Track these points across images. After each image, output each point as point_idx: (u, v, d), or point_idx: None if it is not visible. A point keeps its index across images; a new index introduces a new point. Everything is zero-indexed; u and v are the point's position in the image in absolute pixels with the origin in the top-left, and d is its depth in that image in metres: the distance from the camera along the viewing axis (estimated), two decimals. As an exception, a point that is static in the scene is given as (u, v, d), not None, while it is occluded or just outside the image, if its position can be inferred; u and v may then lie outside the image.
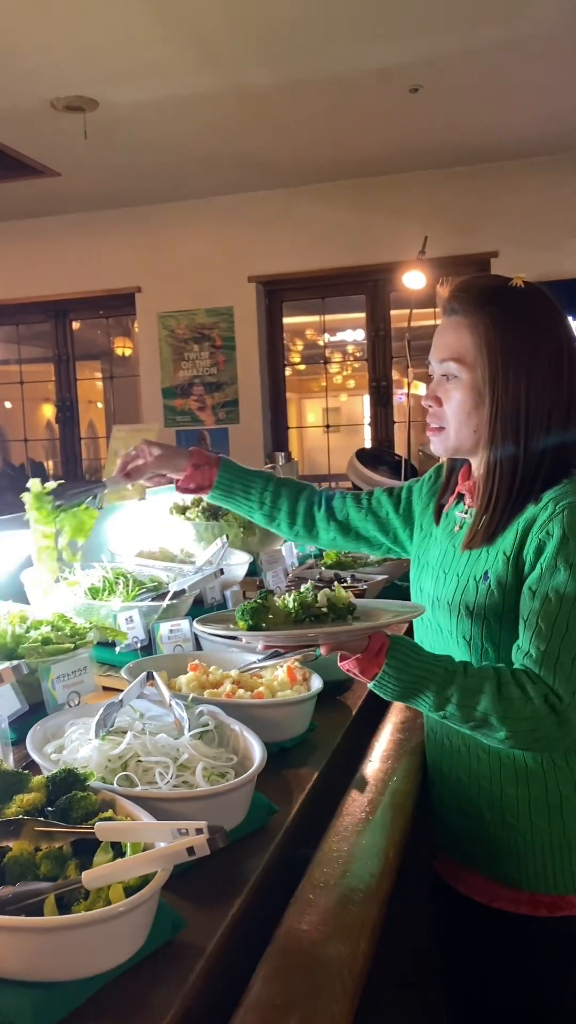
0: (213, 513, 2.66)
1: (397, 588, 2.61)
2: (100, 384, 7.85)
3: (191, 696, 1.34)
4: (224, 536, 2.29)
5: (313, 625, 1.24)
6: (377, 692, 1.19)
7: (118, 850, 0.90)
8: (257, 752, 1.15)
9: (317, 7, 3.35)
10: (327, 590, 1.30)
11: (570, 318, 4.36)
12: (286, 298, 6.01)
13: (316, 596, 1.27)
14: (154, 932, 0.89)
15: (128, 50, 3.64)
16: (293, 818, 1.22)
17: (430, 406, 1.31)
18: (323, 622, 1.24)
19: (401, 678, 1.16)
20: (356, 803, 1.28)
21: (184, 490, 1.56)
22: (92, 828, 0.89)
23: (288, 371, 6.35)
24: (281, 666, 1.51)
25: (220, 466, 1.57)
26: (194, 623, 1.42)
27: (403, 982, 1.54)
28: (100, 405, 8.40)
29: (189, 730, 1.19)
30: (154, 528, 2.68)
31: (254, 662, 1.53)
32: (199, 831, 0.84)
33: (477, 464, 1.32)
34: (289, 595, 1.29)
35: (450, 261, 5.29)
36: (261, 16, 3.41)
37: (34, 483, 1.47)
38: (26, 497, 1.47)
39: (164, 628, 1.74)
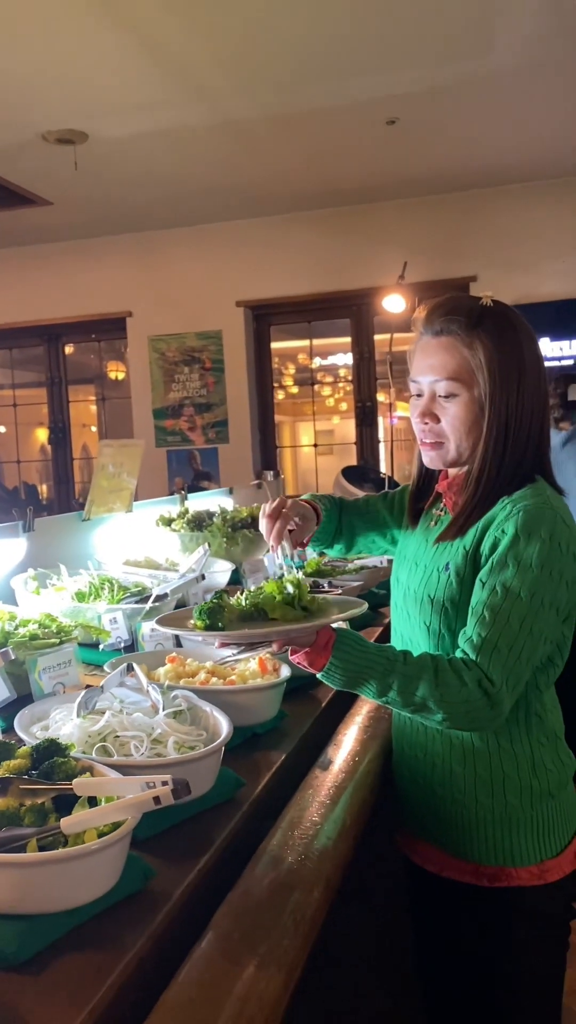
0: (198, 524, 2.78)
1: (373, 595, 2.72)
2: (94, 408, 7.98)
3: (167, 684, 1.45)
4: (206, 544, 2.41)
5: (264, 621, 1.31)
6: (325, 681, 1.28)
7: (94, 806, 1.01)
8: (224, 728, 1.26)
9: (298, 45, 3.53)
10: None
11: (547, 339, 4.55)
12: (273, 322, 6.18)
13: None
14: (127, 879, 0.99)
15: (117, 85, 3.81)
16: (260, 791, 1.33)
17: (426, 423, 1.37)
18: (255, 621, 1.32)
19: (346, 669, 1.24)
20: (319, 779, 1.39)
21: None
22: (71, 784, 1.00)
23: (281, 395, 6.51)
24: (253, 658, 1.63)
25: (323, 515, 1.61)
26: (155, 621, 1.50)
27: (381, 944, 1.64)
28: (94, 428, 8.53)
29: (163, 710, 1.30)
30: (140, 539, 2.80)
31: (228, 656, 1.65)
32: (164, 783, 0.95)
33: (459, 469, 1.42)
34: (241, 594, 1.38)
35: (430, 286, 5.46)
36: (246, 53, 3.59)
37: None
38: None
39: (146, 627, 1.85)
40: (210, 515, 2.83)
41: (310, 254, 5.75)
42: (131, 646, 1.90)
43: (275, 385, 6.37)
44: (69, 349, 6.75)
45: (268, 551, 2.96)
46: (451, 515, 1.41)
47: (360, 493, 5.37)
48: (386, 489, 5.28)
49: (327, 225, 5.71)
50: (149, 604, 1.98)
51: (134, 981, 0.90)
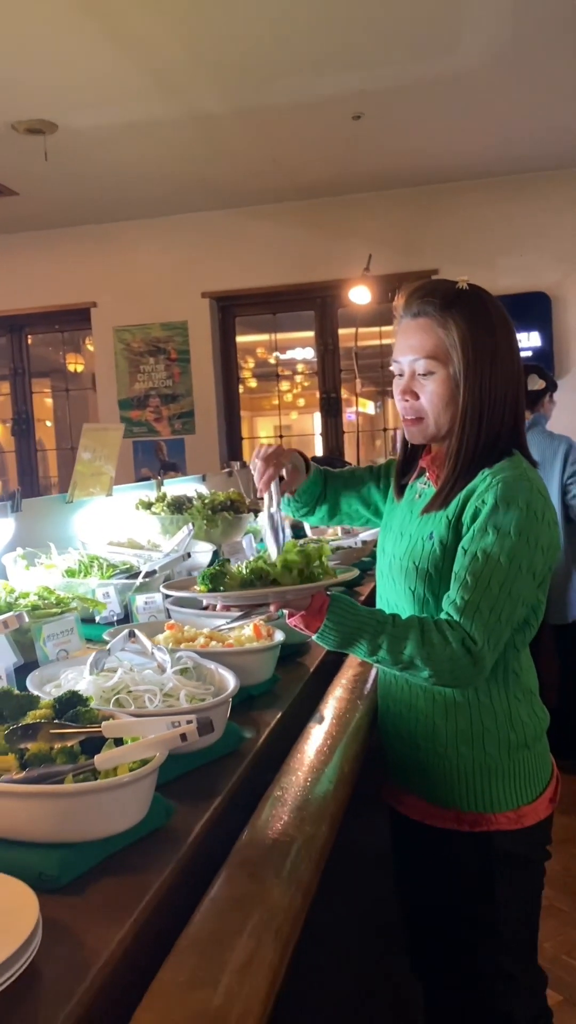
0: (177, 507, 2.85)
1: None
2: (49, 401, 7.93)
3: (169, 647, 1.52)
4: (190, 523, 2.48)
5: (263, 586, 1.35)
6: (319, 642, 1.36)
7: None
8: (231, 682, 1.34)
9: (267, 40, 3.60)
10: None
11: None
12: (238, 313, 6.24)
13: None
14: (152, 815, 1.07)
15: (88, 77, 3.84)
16: (261, 744, 1.41)
17: (407, 400, 1.46)
18: (257, 584, 1.37)
19: (339, 630, 1.33)
20: (316, 732, 1.48)
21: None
22: (99, 727, 1.07)
23: (240, 389, 6.57)
24: (248, 624, 1.71)
25: (311, 476, 1.70)
26: (161, 586, 1.56)
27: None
28: (49, 424, 8.47)
29: (171, 668, 1.37)
30: (120, 522, 2.86)
31: (224, 624, 1.73)
32: (189, 722, 1.03)
33: (440, 444, 1.51)
34: (243, 563, 1.43)
35: (393, 278, 5.58)
36: (215, 47, 3.65)
37: None
38: None
39: (140, 600, 1.92)
40: (188, 499, 2.90)
41: (276, 247, 5.83)
42: (124, 620, 1.96)
43: (237, 375, 6.44)
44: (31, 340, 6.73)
45: (247, 533, 3.05)
46: (434, 488, 1.51)
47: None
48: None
49: (293, 218, 5.80)
50: (140, 579, 2.05)
51: (167, 901, 0.98)
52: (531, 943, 1.58)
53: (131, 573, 2.13)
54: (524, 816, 1.48)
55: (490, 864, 1.48)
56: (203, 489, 3.77)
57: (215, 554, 2.72)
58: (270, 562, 1.38)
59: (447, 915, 1.55)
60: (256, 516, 3.13)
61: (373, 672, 1.77)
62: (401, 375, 1.48)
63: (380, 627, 1.33)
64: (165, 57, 3.72)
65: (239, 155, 4.91)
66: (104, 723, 1.07)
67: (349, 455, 6.17)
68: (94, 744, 1.09)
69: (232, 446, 6.30)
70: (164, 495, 2.98)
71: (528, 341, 5.37)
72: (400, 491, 1.62)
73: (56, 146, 4.41)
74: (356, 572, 1.45)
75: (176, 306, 6.02)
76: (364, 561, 3.12)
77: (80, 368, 7.22)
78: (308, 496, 1.72)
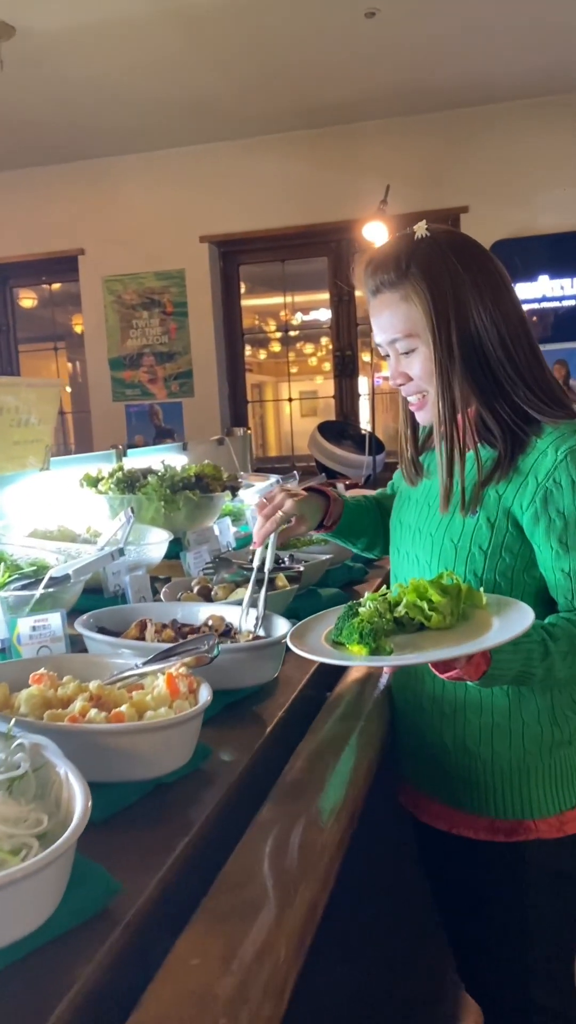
0: (129, 485, 2.27)
1: (348, 568, 2.25)
2: (70, 365, 7.36)
3: (13, 721, 0.95)
4: (129, 509, 1.89)
5: (421, 631, 1.16)
6: (485, 687, 1.20)
7: None
8: (80, 805, 0.77)
9: None
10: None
11: (546, 276, 4.04)
12: (243, 260, 5.60)
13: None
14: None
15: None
16: (145, 902, 0.83)
17: (400, 384, 1.35)
18: (405, 630, 1.17)
19: (507, 669, 1.15)
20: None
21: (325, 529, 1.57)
22: None
23: (263, 354, 5.96)
24: (163, 673, 1.13)
25: (346, 508, 1.57)
26: (288, 640, 1.19)
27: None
28: (69, 388, 7.99)
29: (-9, 775, 0.80)
30: (60, 503, 2.29)
31: (133, 671, 1.17)
32: None
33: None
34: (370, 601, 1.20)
35: (416, 217, 4.87)
36: None
37: None
38: None
39: (25, 625, 1.35)
40: (145, 474, 2.32)
41: (282, 183, 5.16)
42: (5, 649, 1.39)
43: (247, 341, 5.80)
44: (29, 303, 6.15)
45: (222, 516, 2.47)
46: None
47: (337, 451, 4.89)
48: (366, 447, 4.80)
49: (301, 150, 5.11)
50: (39, 591, 1.48)
51: None
52: (568, 971, 1.40)
53: (35, 579, 1.56)
54: (567, 822, 1.33)
55: (526, 880, 1.34)
56: (184, 461, 3.19)
57: (175, 543, 2.15)
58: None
59: (483, 924, 1.39)
60: (234, 495, 2.54)
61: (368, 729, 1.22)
62: (387, 357, 1.37)
63: (544, 649, 1.17)
64: None
65: (235, 68, 4.23)
66: None
67: (368, 420, 5.53)
68: None
69: (236, 410, 5.70)
70: (120, 468, 2.40)
71: (572, 288, 4.69)
72: (416, 468, 1.46)
73: (14, 54, 3.76)
74: (529, 623, 1.13)
75: (172, 253, 5.39)
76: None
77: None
78: (371, 532, 1.60)
